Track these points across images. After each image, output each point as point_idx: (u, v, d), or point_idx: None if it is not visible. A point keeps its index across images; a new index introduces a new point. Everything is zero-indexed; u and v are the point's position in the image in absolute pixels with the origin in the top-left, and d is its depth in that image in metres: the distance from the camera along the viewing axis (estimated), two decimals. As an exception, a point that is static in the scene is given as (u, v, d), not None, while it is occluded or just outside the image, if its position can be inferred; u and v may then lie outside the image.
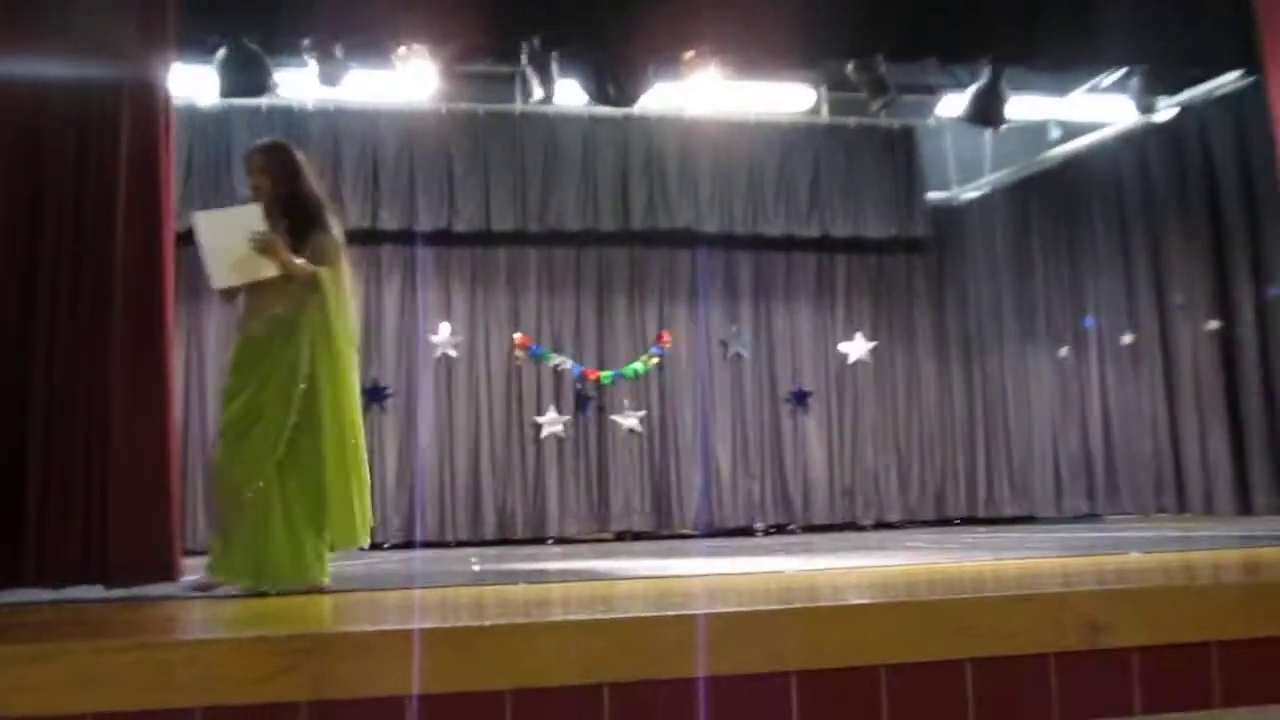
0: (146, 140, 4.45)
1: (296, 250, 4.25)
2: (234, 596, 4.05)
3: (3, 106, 4.31)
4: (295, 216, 4.35)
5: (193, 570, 4.44)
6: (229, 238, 4.18)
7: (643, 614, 2.53)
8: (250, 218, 4.20)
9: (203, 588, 4.17)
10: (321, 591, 4.17)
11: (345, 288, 4.39)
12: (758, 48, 6.84)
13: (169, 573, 4.29)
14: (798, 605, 2.56)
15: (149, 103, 4.51)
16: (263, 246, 4.16)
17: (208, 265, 4.22)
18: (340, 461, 4.23)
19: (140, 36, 4.52)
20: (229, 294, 4.39)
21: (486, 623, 2.46)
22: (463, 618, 2.98)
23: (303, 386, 4.19)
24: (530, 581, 4.52)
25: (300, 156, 4.50)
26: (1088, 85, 9.27)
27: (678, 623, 2.39)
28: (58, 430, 4.20)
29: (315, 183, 4.50)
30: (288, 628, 2.72)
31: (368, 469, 4.42)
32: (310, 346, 4.23)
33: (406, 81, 7.41)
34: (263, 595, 4.04)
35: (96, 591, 4.17)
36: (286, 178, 4.39)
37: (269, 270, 4.19)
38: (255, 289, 4.29)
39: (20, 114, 4.34)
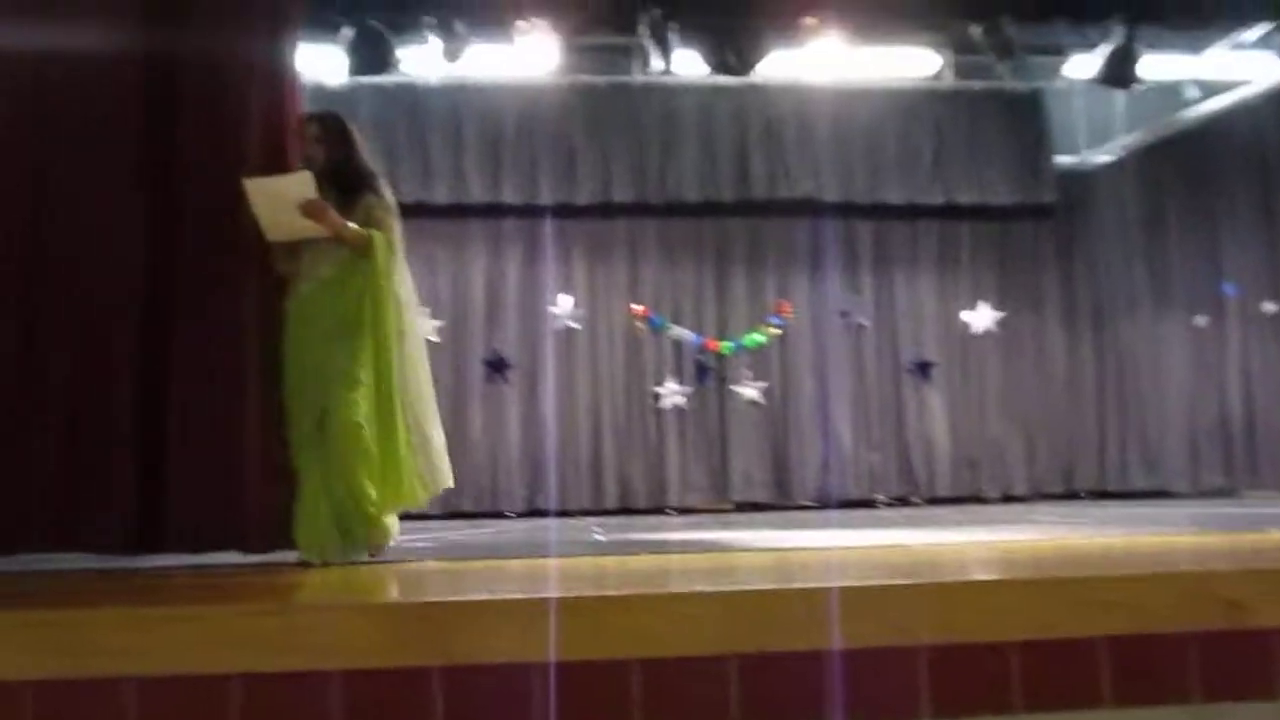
0: (275, 119, 4.57)
1: (346, 216, 4.32)
2: (321, 565, 4.05)
3: (136, 84, 4.46)
4: (346, 184, 4.41)
5: None
6: (279, 204, 4.22)
7: (770, 586, 2.53)
8: (301, 185, 4.24)
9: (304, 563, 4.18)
10: (371, 560, 4.19)
11: (397, 251, 4.42)
12: (880, 11, 6.73)
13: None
14: (927, 580, 2.53)
15: (278, 85, 4.62)
16: (311, 212, 4.22)
17: (260, 222, 4.27)
18: (384, 422, 4.24)
19: (267, 18, 4.64)
20: (289, 268, 4.40)
21: (614, 592, 2.49)
22: (589, 587, 3.01)
23: (349, 349, 4.23)
24: (653, 551, 4.55)
25: (353, 127, 4.57)
26: (1227, 42, 8.88)
27: (805, 596, 2.38)
28: (196, 401, 4.35)
29: (367, 153, 4.56)
30: (420, 595, 2.79)
31: (428, 429, 4.40)
32: (354, 307, 4.28)
33: (526, 56, 7.48)
34: (325, 564, 4.05)
35: (233, 557, 4.31)
36: (341, 147, 4.47)
37: (320, 230, 4.26)
38: (309, 255, 4.35)
39: (153, 93, 4.49)
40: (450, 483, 4.51)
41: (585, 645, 2.39)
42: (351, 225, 4.31)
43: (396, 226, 4.47)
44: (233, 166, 4.41)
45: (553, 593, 2.55)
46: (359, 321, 4.27)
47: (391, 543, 4.34)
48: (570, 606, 2.44)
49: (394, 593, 3.04)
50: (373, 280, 4.30)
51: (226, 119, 4.50)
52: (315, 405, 4.23)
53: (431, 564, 4.15)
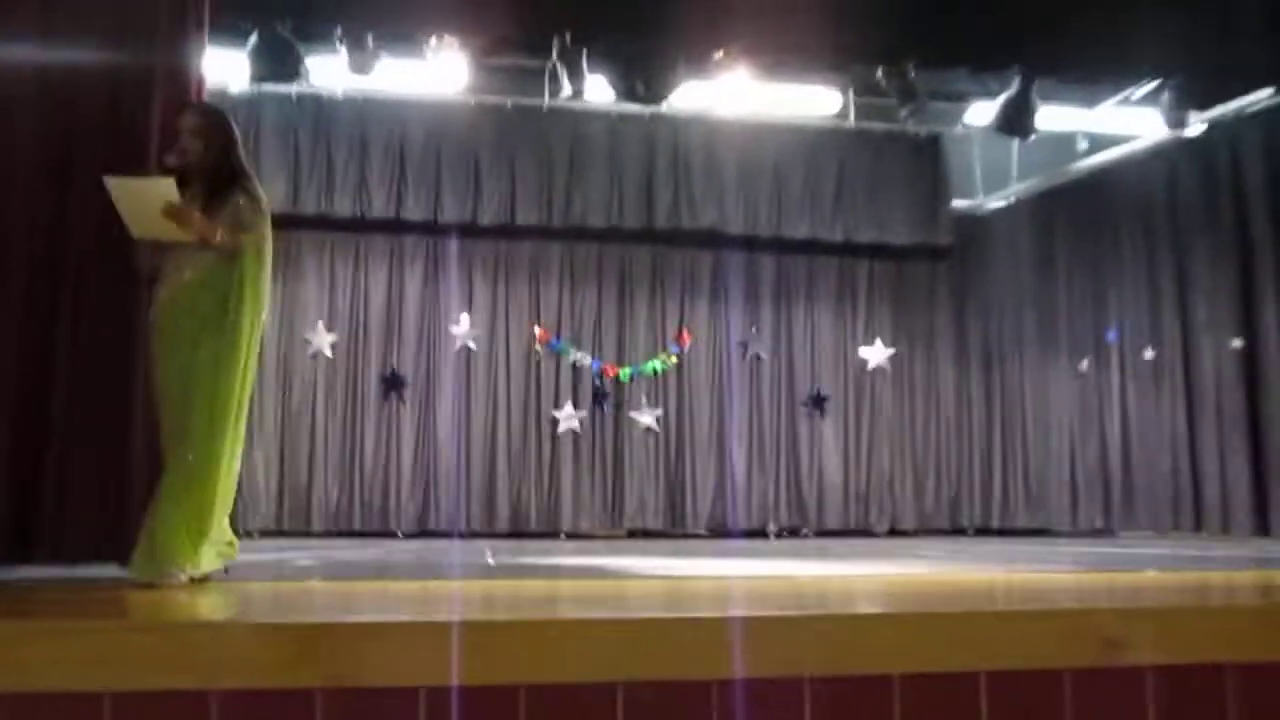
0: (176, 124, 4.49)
1: (214, 215, 4.07)
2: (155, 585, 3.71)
3: (33, 92, 4.36)
4: (219, 182, 4.15)
5: None
6: (143, 205, 3.98)
7: (659, 614, 2.54)
8: (163, 189, 4.00)
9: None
10: (194, 580, 3.87)
11: (266, 257, 4.16)
12: (788, 50, 6.85)
13: None
14: (814, 611, 2.56)
15: (181, 88, 4.54)
16: (174, 215, 3.97)
17: (125, 220, 4.01)
18: (232, 440, 4.00)
19: (172, 21, 4.56)
20: (152, 266, 4.14)
21: (502, 617, 2.47)
22: (478, 611, 2.99)
23: (200, 355, 3.98)
24: (544, 577, 4.53)
25: (234, 126, 4.34)
26: (1118, 98, 9.22)
27: (694, 624, 2.39)
28: (78, 411, 4.22)
29: (244, 155, 4.32)
30: (305, 615, 2.74)
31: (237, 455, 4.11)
32: (218, 313, 4.02)
33: (436, 73, 7.44)
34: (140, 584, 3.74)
35: (110, 570, 4.16)
36: (218, 142, 4.21)
37: (184, 235, 4.00)
38: (174, 256, 4.08)
39: (51, 100, 4.39)
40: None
41: (474, 670, 2.37)
42: (218, 229, 4.03)
43: (267, 231, 4.20)
44: (133, 172, 4.31)
45: (443, 616, 2.53)
46: (222, 330, 4.00)
47: (207, 569, 3.97)
48: (460, 630, 2.41)
49: (280, 612, 2.97)
50: (238, 287, 4.03)
51: (124, 125, 4.40)
52: (177, 416, 3.95)
53: (319, 583, 4.08)
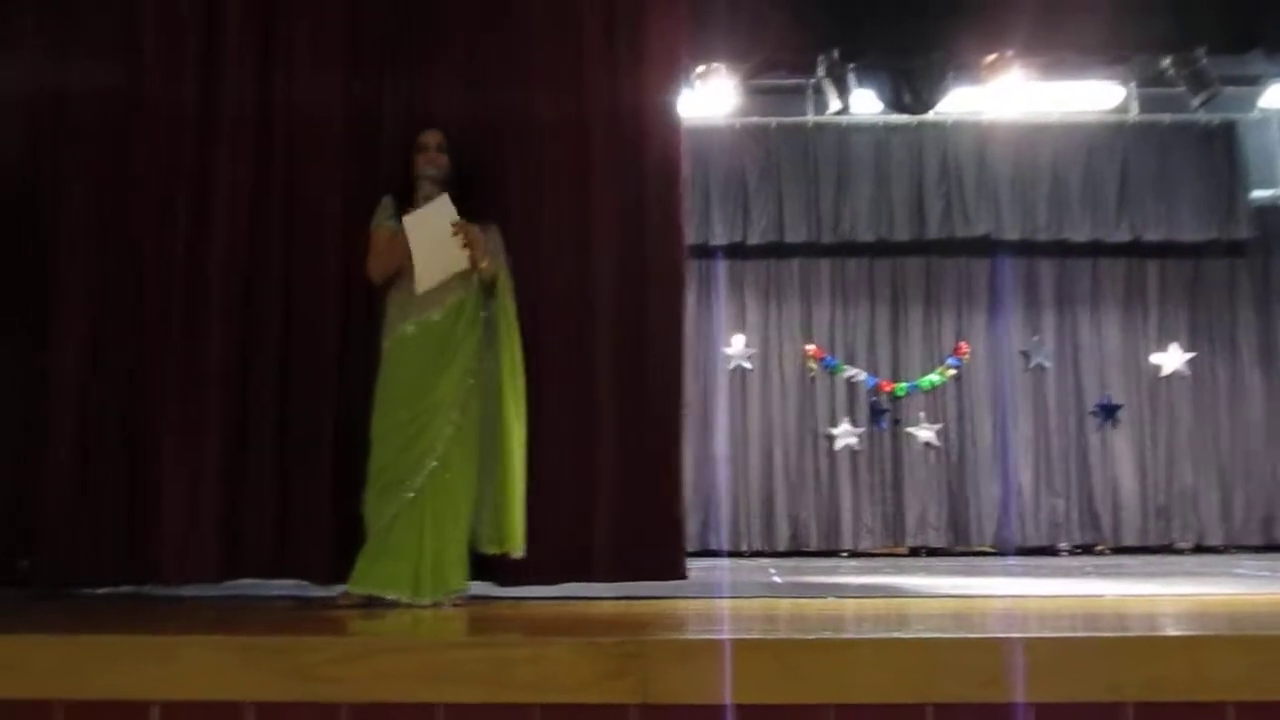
0: (669, 159, 4.91)
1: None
2: (401, 605, 3.85)
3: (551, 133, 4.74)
4: (465, 206, 4.15)
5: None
6: (432, 234, 4.04)
7: (967, 635, 2.49)
8: (445, 210, 4.07)
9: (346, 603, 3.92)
10: (455, 604, 3.96)
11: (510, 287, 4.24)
12: (1066, 47, 6.57)
13: (676, 570, 4.46)
14: (1136, 633, 2.45)
15: (668, 125, 4.94)
16: (466, 234, 4.03)
17: (417, 268, 4.03)
18: (509, 459, 4.07)
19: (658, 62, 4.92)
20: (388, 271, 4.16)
21: (808, 636, 2.48)
22: (779, 630, 3.01)
23: (471, 381, 4.07)
24: (835, 595, 4.51)
25: None
26: None
27: (1004, 645, 2.33)
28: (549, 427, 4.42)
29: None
30: (614, 633, 2.84)
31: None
32: (484, 339, 4.12)
33: (703, 99, 7.56)
34: (424, 606, 3.85)
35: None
36: (464, 164, 4.28)
37: (461, 264, 4.08)
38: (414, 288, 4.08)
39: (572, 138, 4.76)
40: None
41: (780, 689, 2.39)
42: (486, 256, 4.10)
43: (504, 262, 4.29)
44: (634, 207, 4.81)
45: (747, 634, 2.57)
46: (488, 361, 4.10)
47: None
48: (765, 649, 2.45)
49: (588, 630, 3.09)
50: (502, 315, 4.14)
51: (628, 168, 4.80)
52: (437, 440, 3.98)
53: (613, 603, 4.19)
